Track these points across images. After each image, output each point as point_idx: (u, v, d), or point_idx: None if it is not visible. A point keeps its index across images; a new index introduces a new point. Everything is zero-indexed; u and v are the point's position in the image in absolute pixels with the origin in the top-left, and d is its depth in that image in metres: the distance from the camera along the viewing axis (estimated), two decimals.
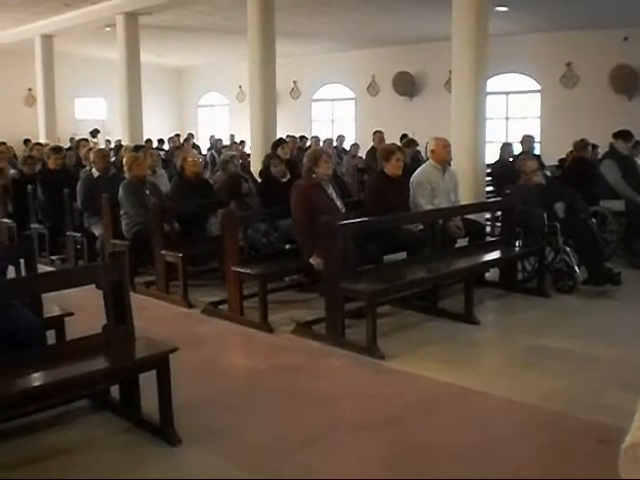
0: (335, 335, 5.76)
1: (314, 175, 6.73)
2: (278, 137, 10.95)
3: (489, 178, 10.59)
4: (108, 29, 15.44)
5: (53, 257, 8.97)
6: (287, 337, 6.04)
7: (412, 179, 7.58)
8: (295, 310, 6.72)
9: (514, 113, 17.37)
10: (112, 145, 16.75)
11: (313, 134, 18.04)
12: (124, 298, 4.20)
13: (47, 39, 16.90)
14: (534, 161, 8.40)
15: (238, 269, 6.38)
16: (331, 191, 6.83)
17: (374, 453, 4.03)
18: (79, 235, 8.57)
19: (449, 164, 7.97)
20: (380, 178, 7.24)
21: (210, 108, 24.72)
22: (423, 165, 7.94)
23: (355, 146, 14.45)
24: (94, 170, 8.74)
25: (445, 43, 15.92)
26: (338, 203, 6.82)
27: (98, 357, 4.10)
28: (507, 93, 17.20)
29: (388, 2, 13.12)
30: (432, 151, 7.82)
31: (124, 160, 8.23)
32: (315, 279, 6.70)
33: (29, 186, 9.36)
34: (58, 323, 4.85)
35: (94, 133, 18.85)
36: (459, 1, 9.03)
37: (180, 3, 13.19)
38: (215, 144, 18.00)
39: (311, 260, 6.37)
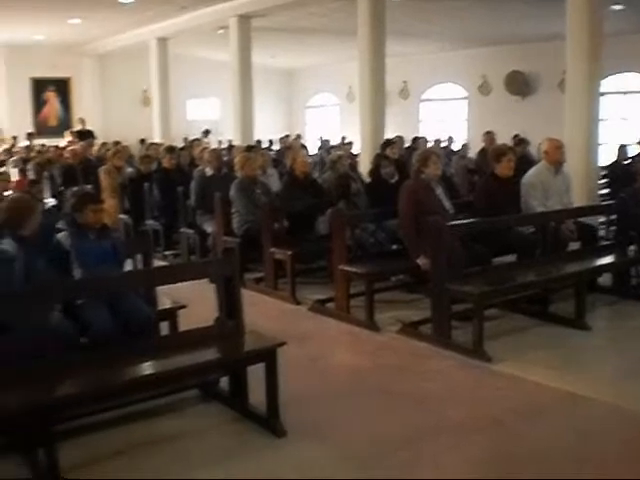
0: (441, 336, 5.73)
1: (423, 175, 6.70)
2: (387, 137, 10.95)
3: (604, 180, 10.28)
4: (221, 31, 15.82)
5: (166, 253, 9.29)
6: (393, 336, 6.06)
7: (524, 180, 7.42)
8: (401, 310, 6.72)
9: (632, 114, 16.73)
10: (224, 145, 17.16)
11: (421, 134, 17.94)
12: (235, 293, 4.33)
13: (162, 41, 17.48)
14: None
15: (346, 268, 6.44)
16: (440, 192, 6.78)
17: (476, 455, 4.00)
18: (192, 232, 8.84)
19: (562, 165, 7.77)
20: (491, 179, 7.14)
21: (319, 109, 24.94)
22: (536, 166, 7.76)
23: (465, 147, 14.26)
24: (207, 169, 9.00)
25: (559, 42, 15.64)
26: (447, 204, 6.77)
27: (209, 348, 4.25)
28: (624, 93, 16.62)
29: (501, 1, 12.90)
30: (545, 152, 7.63)
31: (236, 160, 8.43)
32: (421, 279, 6.67)
33: (145, 184, 9.71)
34: (171, 315, 5.05)
35: (206, 133, 19.37)
36: (574, 0, 8.79)
37: (293, 5, 13.37)
38: (324, 144, 18.17)
39: (418, 260, 6.35)
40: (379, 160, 8.50)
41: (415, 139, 14.49)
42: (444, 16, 14.69)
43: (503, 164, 7.03)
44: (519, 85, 18.36)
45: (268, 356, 4.09)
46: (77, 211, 4.98)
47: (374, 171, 8.47)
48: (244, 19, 14.19)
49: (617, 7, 10.53)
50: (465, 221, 6.30)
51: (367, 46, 11.37)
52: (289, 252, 7.18)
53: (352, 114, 21.42)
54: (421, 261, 6.31)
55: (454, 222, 6.14)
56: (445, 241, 5.78)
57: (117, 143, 13.90)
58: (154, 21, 16.14)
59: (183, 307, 5.11)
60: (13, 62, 19.12)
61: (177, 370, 3.99)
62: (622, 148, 11.30)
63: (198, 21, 15.45)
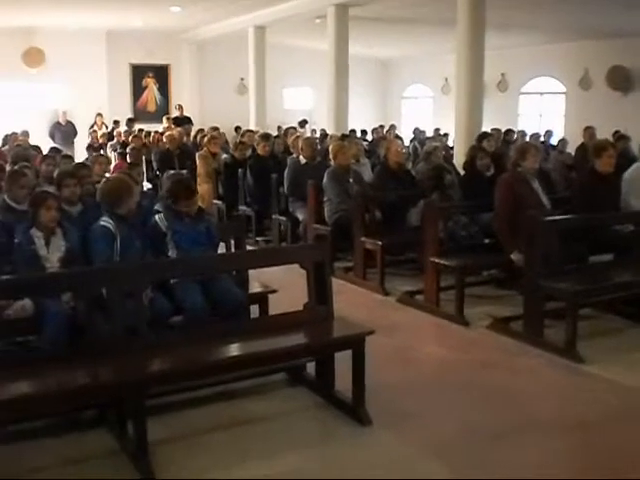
0: (532, 334, 5.61)
1: (520, 169, 6.56)
2: (483, 130, 10.77)
3: None
4: (318, 21, 15.82)
5: (258, 239, 9.42)
6: (482, 332, 5.97)
7: (625, 177, 7.19)
8: (491, 305, 6.62)
9: None
10: (317, 134, 17.22)
11: (519, 128, 17.56)
12: (325, 279, 4.35)
13: (260, 30, 17.60)
14: None
15: (437, 260, 6.38)
16: (537, 186, 6.62)
17: (563, 455, 3.93)
18: (284, 219, 8.92)
19: None
20: (590, 175, 6.93)
21: (414, 100, 24.74)
22: (638, 163, 7.51)
23: (563, 141, 13.88)
24: (301, 157, 9.05)
25: None
26: (544, 199, 6.60)
27: (298, 333, 4.29)
28: None
29: None
30: None
31: (330, 148, 8.45)
32: (514, 275, 6.54)
33: (239, 170, 9.85)
34: (262, 299, 5.12)
35: (302, 124, 19.45)
36: None
37: None
38: (418, 135, 18.00)
39: (512, 256, 6.22)
40: (475, 152, 8.35)
41: (508, 131, 14.20)
42: (545, 7, 14.29)
43: (604, 159, 6.82)
44: (621, 80, 17.74)
45: (356, 343, 4.10)
46: (172, 202, 5.10)
47: (469, 163, 8.34)
48: (342, 8, 14.15)
49: None
50: (563, 217, 6.12)
51: (466, 37, 11.15)
52: (380, 242, 7.16)
53: (446, 106, 21.33)
54: (515, 256, 6.18)
55: (551, 217, 5.99)
56: (541, 237, 5.65)
57: (215, 129, 14.11)
58: (252, 10, 16.27)
59: (274, 292, 5.18)
60: (113, 48, 19.57)
61: (266, 353, 4.05)
62: None
63: (296, 10, 15.48)
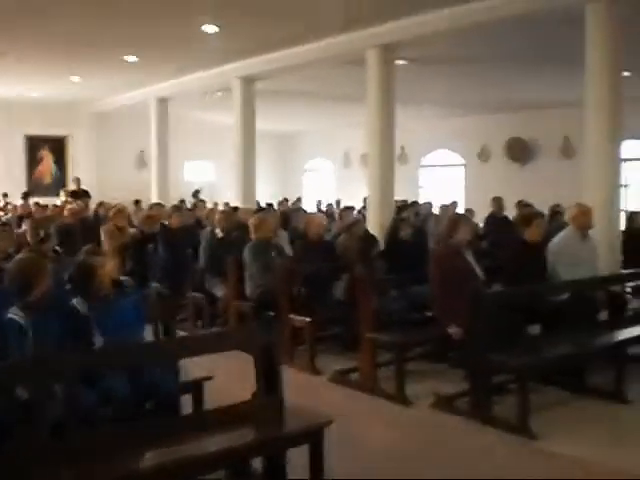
0: (480, 411, 5.35)
1: (452, 241, 6.39)
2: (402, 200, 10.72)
3: None
4: (220, 94, 15.68)
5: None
6: (426, 411, 5.66)
7: (551, 246, 7.16)
8: (430, 381, 6.34)
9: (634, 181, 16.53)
10: (220, 207, 16.87)
11: (421, 200, 17.77)
12: (275, 365, 3.95)
13: (162, 102, 17.29)
14: None
15: (374, 336, 6.07)
16: (471, 258, 6.46)
17: None
18: (200, 296, 8.46)
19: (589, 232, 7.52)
20: (520, 245, 6.85)
21: (315, 173, 24.83)
22: (563, 232, 7.52)
23: (469, 212, 14.03)
24: (217, 230, 8.67)
25: (560, 110, 15.70)
26: (477, 270, 6.45)
27: (245, 428, 3.82)
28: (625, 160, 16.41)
29: (510, 69, 12.86)
30: (573, 218, 7.41)
31: (251, 222, 8.11)
32: (448, 349, 6.32)
33: (149, 245, 9.34)
34: (196, 387, 4.62)
35: (195, 194, 19.21)
36: (592, 65, 8.65)
37: (295, 69, 13.22)
38: (328, 208, 17.85)
39: (449, 329, 5.98)
40: (397, 223, 8.24)
41: (413, 203, 14.31)
42: (444, 82, 14.63)
43: (532, 229, 6.79)
44: (519, 152, 18.33)
45: (314, 436, 3.69)
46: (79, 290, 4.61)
47: (392, 234, 8.21)
48: (247, 81, 14.03)
49: (626, 74, 10.43)
50: (506, 289, 5.97)
51: (376, 111, 11.21)
52: (309, 318, 6.81)
53: (348, 179, 21.51)
54: (453, 330, 5.96)
55: (495, 290, 5.82)
56: (484, 309, 5.45)
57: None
58: (155, 81, 15.97)
59: (208, 378, 4.70)
60: (7, 118, 18.80)
61: (209, 455, 3.55)
62: (632, 215, 11.10)
63: (200, 82, 15.29)
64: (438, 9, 9.76)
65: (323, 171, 24.46)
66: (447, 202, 14.65)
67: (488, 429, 5.19)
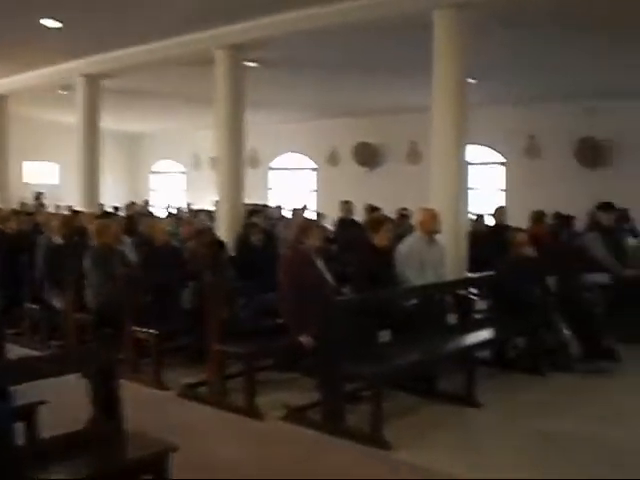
0: (333, 422, 5.22)
1: (303, 246, 6.24)
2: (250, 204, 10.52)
3: None
4: (63, 92, 14.93)
5: (8, 331, 8.23)
6: (278, 424, 5.46)
7: (398, 250, 7.18)
8: (282, 392, 6.13)
9: (477, 185, 17.09)
10: (63, 211, 16.03)
11: (270, 203, 17.66)
12: (113, 388, 3.62)
13: (2, 99, 16.23)
14: (523, 234, 8.11)
15: (223, 347, 5.81)
16: (321, 264, 6.34)
17: None
18: (37, 307, 7.89)
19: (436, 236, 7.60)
20: (369, 250, 6.81)
21: (164, 175, 24.18)
22: (410, 236, 7.58)
23: (320, 215, 14.05)
24: (55, 237, 8.12)
25: (408, 115, 16.01)
26: (328, 277, 6.33)
27: (83, 458, 3.48)
28: (472, 164, 16.90)
29: (359, 74, 12.95)
30: (420, 222, 7.49)
31: (92, 227, 7.65)
32: (299, 358, 6.15)
33: None
34: (29, 413, 4.19)
35: (37, 196, 18.25)
36: (439, 71, 8.80)
37: (141, 67, 12.72)
38: (177, 212, 17.35)
39: (300, 338, 5.82)
40: (247, 228, 8.02)
41: (263, 207, 14.16)
42: (295, 85, 14.57)
43: (381, 234, 6.77)
44: (367, 156, 18.57)
45: (157, 464, 3.40)
46: None
47: (243, 240, 7.98)
48: (92, 79, 13.38)
49: (471, 81, 10.73)
50: (357, 295, 5.87)
51: (225, 113, 10.97)
52: (154, 331, 6.45)
53: (199, 182, 21.03)
54: (304, 338, 5.80)
55: (345, 297, 5.71)
56: (335, 317, 5.33)
57: None
58: None
59: (42, 403, 4.27)
60: None
61: None
62: (479, 219, 11.43)
63: (40, 79, 14.44)
64: (288, 11, 9.65)
65: (172, 173, 23.86)
66: (297, 206, 14.60)
67: (341, 441, 5.05)
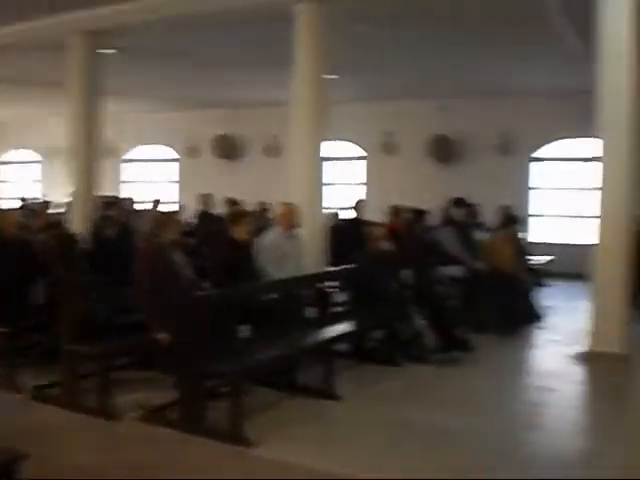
0: (192, 420, 5.12)
1: (159, 239, 6.04)
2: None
3: None
4: None
5: None
6: (135, 425, 5.29)
7: (258, 245, 7.15)
8: (139, 392, 5.95)
9: (339, 179, 17.26)
10: None
11: (123, 195, 17.14)
12: None
13: None
14: (381, 228, 8.28)
15: (74, 347, 5.56)
16: (179, 258, 6.17)
17: None
18: None
19: (295, 230, 7.62)
20: (228, 243, 6.74)
21: (17, 165, 22.97)
22: (270, 230, 7.57)
23: (182, 208, 13.75)
24: None
25: (269, 108, 15.97)
26: (187, 271, 6.18)
27: None
28: (336, 159, 17.02)
29: (220, 66, 12.78)
30: (279, 216, 7.49)
31: None
32: (156, 356, 5.98)
33: None
34: None
35: None
36: (299, 65, 8.82)
37: None
38: (30, 204, 16.51)
39: (158, 335, 5.65)
40: (102, 220, 7.75)
41: (120, 199, 13.75)
42: (155, 75, 14.22)
43: (241, 227, 6.72)
44: (227, 149, 18.42)
45: (7, 474, 3.19)
46: None
47: (97, 233, 7.70)
48: None
49: (332, 76, 10.85)
50: (216, 291, 5.77)
51: (79, 101, 10.57)
52: (4, 328, 6.11)
53: (55, 172, 20.11)
54: (161, 335, 5.64)
55: (205, 292, 5.61)
56: (194, 312, 5.22)
57: None
58: None
59: None
60: None
61: None
62: (337, 212, 11.62)
63: None
64: None
65: (27, 163, 22.71)
66: (153, 198, 14.31)
67: (201, 439, 4.96)
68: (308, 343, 6.20)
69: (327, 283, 7.83)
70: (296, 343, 6.06)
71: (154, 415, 5.35)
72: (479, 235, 10.27)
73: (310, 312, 7.28)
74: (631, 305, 7.91)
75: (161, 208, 14.55)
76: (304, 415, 5.60)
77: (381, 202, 12.03)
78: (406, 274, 7.88)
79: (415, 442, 5.06)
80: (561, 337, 8.75)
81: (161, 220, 6.21)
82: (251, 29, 9.88)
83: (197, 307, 5.28)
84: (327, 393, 5.97)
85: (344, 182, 17.16)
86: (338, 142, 16.17)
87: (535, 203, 15.47)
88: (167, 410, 5.38)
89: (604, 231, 7.83)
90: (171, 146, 19.67)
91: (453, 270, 9.15)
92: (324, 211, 9.46)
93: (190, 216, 12.84)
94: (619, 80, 7.50)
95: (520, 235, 11.35)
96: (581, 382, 7.14)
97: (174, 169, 19.82)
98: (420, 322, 7.56)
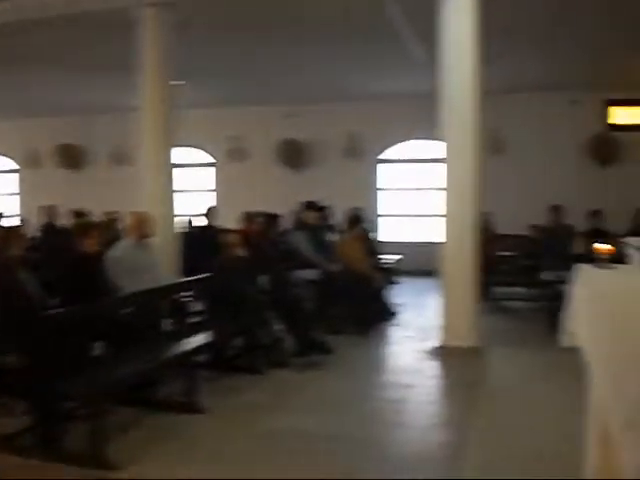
0: (49, 447, 4.85)
1: (3, 257, 5.70)
2: None
3: None
4: None
5: None
6: None
7: (109, 257, 6.90)
8: None
9: (191, 186, 16.94)
10: None
11: None
12: None
13: None
14: (235, 234, 8.20)
15: None
16: (25, 275, 5.83)
17: None
18: None
19: (148, 240, 7.41)
20: (77, 257, 6.44)
21: None
22: (121, 241, 7.32)
23: (24, 222, 13.05)
24: None
25: (114, 115, 15.47)
26: (34, 288, 5.85)
27: None
28: (187, 166, 16.69)
29: (58, 71, 12.23)
30: (130, 226, 7.27)
31: None
32: (5, 380, 5.62)
33: None
34: None
35: None
36: (145, 71, 8.61)
37: None
38: None
39: (7, 358, 5.31)
40: None
41: None
42: None
43: (90, 240, 6.45)
44: (70, 158, 17.73)
45: None
46: None
47: None
48: None
49: (179, 82, 10.65)
50: (66, 309, 5.47)
51: None
52: None
53: None
54: (10, 358, 5.31)
55: (54, 311, 5.32)
56: (43, 333, 4.94)
57: None
58: None
59: None
60: None
61: None
62: (191, 220, 11.41)
63: None
64: None
65: None
66: None
67: (59, 466, 4.70)
68: (167, 357, 6.01)
69: (183, 293, 7.66)
70: (155, 357, 5.85)
71: (4, 443, 5.01)
72: (331, 237, 10.41)
73: (168, 324, 7.08)
74: (479, 298, 8.27)
75: (3, 222, 13.79)
76: (168, 432, 5.42)
77: (233, 208, 11.96)
78: (262, 279, 7.85)
79: (284, 451, 5.02)
80: (415, 333, 9.02)
81: (4, 235, 5.88)
82: (93, 32, 9.53)
83: (45, 326, 4.99)
84: (191, 407, 5.83)
85: (196, 189, 16.93)
86: (187, 149, 15.98)
87: (384, 204, 15.90)
88: (19, 437, 5.06)
89: (450, 229, 8.16)
90: (10, 156, 18.69)
91: (308, 273, 9.22)
92: (177, 219, 9.26)
93: (33, 230, 12.22)
94: (461, 84, 7.83)
95: (371, 235, 11.62)
96: (437, 376, 7.37)
97: (14, 180, 18.84)
98: (278, 327, 7.57)
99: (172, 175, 9.02)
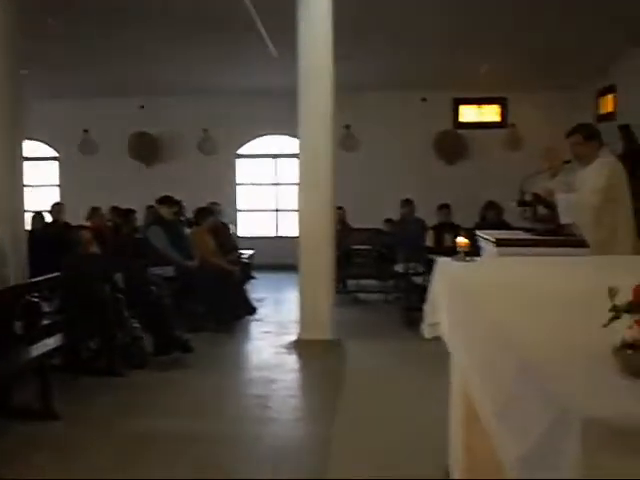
0: None
1: None
2: None
3: None
4: None
5: None
6: None
7: None
8: None
9: (35, 182, 16.12)
10: None
11: None
12: None
13: None
14: (87, 231, 7.91)
15: None
16: None
17: None
18: None
19: None
20: None
21: None
22: None
23: None
24: None
25: None
26: None
27: None
28: (32, 159, 15.81)
29: None
30: None
31: None
32: None
33: None
34: None
35: None
36: None
37: None
38: None
39: None
40: None
41: None
42: None
43: None
44: None
45: None
46: None
47: None
48: None
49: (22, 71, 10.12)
50: None
51: None
52: None
53: None
54: None
55: None
56: None
57: None
58: None
59: None
60: None
61: None
62: (37, 216, 10.90)
63: None
64: None
65: None
66: None
67: None
68: (18, 362, 5.70)
69: (33, 294, 7.30)
70: (5, 364, 5.55)
71: None
72: (187, 232, 10.26)
73: (18, 327, 6.72)
74: (335, 292, 8.42)
75: None
76: (22, 441, 5.12)
77: (82, 203, 11.55)
78: (118, 277, 7.62)
79: (148, 454, 4.87)
80: (274, 328, 9.07)
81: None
82: None
83: None
84: (47, 414, 5.56)
85: (38, 184, 16.13)
86: (31, 142, 15.21)
87: (243, 198, 15.85)
88: None
89: (305, 224, 8.27)
90: None
91: (165, 269, 9.03)
92: (23, 216, 8.79)
93: None
94: (317, 81, 7.92)
95: (230, 230, 11.56)
96: (297, 370, 7.44)
97: None
98: (136, 326, 7.38)
99: (22, 169, 8.56)
